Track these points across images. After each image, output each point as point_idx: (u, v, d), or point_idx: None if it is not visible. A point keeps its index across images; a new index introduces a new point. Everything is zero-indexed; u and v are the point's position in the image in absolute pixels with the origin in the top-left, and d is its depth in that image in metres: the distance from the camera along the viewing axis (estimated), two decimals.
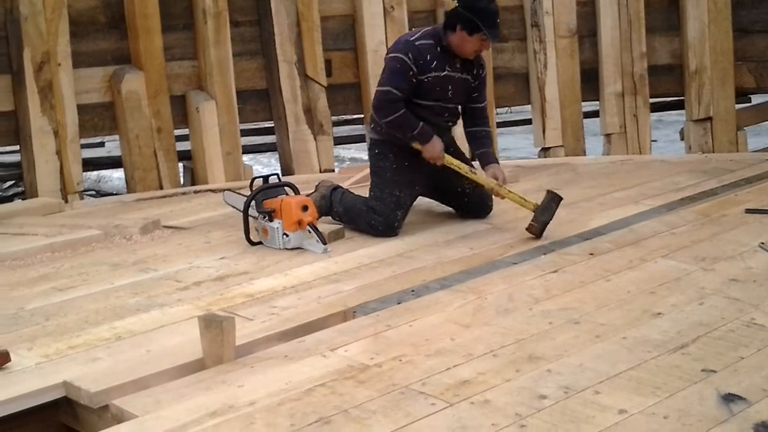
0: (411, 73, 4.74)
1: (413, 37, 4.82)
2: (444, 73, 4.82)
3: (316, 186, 5.23)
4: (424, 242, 4.76)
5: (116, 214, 5.66)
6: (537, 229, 4.72)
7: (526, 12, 7.07)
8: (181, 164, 6.75)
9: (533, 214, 4.75)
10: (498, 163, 5.02)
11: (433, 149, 4.83)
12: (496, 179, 4.87)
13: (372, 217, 4.86)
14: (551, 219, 4.75)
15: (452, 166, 4.91)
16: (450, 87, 4.88)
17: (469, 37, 4.73)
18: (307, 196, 5.00)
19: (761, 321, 3.53)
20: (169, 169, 6.46)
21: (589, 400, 2.92)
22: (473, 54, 4.87)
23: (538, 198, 4.81)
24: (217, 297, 4.02)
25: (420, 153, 4.87)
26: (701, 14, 6.99)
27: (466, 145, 5.19)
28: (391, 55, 4.85)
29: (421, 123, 4.81)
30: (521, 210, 5.02)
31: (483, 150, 5.01)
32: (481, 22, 4.68)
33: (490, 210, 5.18)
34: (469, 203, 5.14)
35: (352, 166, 6.90)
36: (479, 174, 4.93)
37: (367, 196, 4.99)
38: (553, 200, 4.77)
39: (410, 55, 4.74)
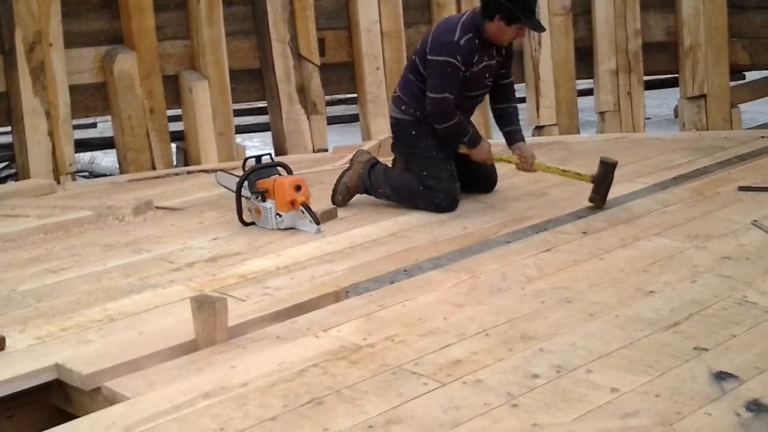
0: (460, 73, 4.77)
1: (456, 37, 4.76)
2: (484, 63, 4.86)
3: (350, 160, 5.21)
4: (417, 222, 4.75)
5: (109, 195, 5.65)
6: (599, 200, 4.83)
7: None
8: (173, 145, 6.73)
9: (592, 185, 4.85)
10: (524, 141, 5.09)
11: (483, 152, 4.96)
12: (524, 158, 4.99)
13: (435, 195, 4.88)
14: (610, 187, 4.85)
15: (503, 161, 5.09)
16: (488, 75, 4.94)
17: (507, 27, 4.75)
18: (342, 175, 5.06)
19: (753, 299, 3.54)
20: (161, 149, 6.44)
21: (582, 378, 2.92)
22: (509, 42, 4.93)
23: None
24: (209, 278, 4.02)
25: (466, 155, 4.98)
26: None
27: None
28: (441, 58, 4.77)
29: (471, 129, 4.94)
30: (514, 189, 5.02)
31: (510, 128, 5.07)
32: (520, 12, 4.70)
33: (495, 184, 5.29)
34: (484, 177, 5.22)
35: (345, 146, 6.86)
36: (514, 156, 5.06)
37: (412, 174, 4.98)
38: (608, 168, 4.85)
39: (458, 57, 4.74)
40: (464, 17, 4.87)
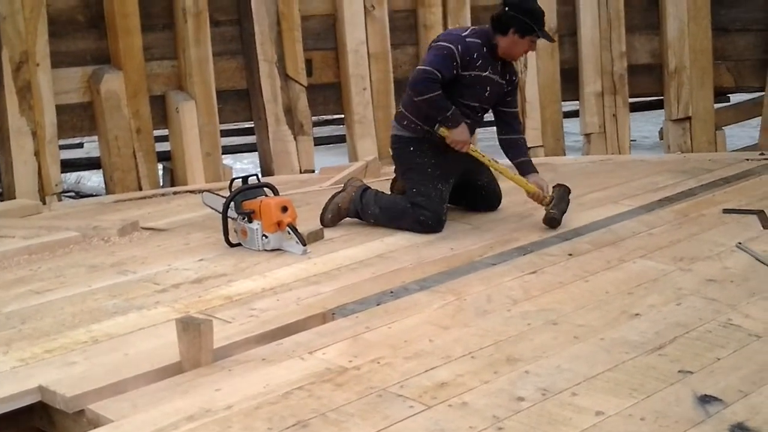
0: (455, 63, 4.78)
1: (464, 33, 4.87)
2: (485, 73, 4.89)
3: (344, 185, 5.22)
4: (404, 243, 4.75)
5: (94, 216, 5.63)
6: (555, 215, 4.88)
7: None
8: (160, 165, 6.72)
9: (546, 206, 4.93)
10: (537, 172, 5.07)
11: (462, 135, 4.87)
12: (542, 189, 4.97)
13: (421, 212, 4.87)
14: (567, 209, 4.97)
15: (475, 154, 5.01)
16: (488, 88, 4.95)
17: (521, 39, 4.83)
18: (334, 195, 5.08)
19: (738, 321, 3.55)
20: (148, 170, 6.43)
21: (567, 401, 2.92)
22: (521, 56, 5.04)
23: None
24: (195, 299, 4.00)
25: (444, 140, 4.88)
26: (681, 13, 7.02)
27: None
28: (440, 42, 4.85)
29: (453, 107, 4.83)
30: (500, 211, 5.04)
31: (522, 159, 5.09)
32: (533, 23, 4.80)
33: (500, 201, 5.31)
34: (486, 196, 5.26)
35: (332, 167, 6.87)
36: (509, 170, 5.08)
37: (405, 193, 5.00)
38: (565, 192, 5.02)
39: (459, 47, 4.78)
40: (478, 27, 4.95)
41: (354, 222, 5.12)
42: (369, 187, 5.13)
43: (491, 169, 5.12)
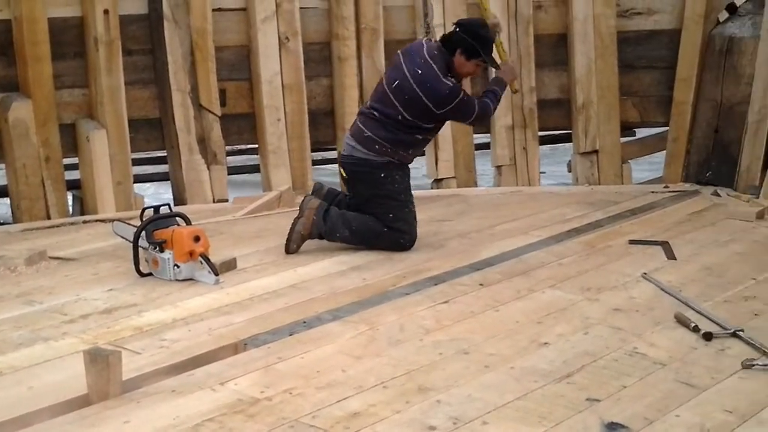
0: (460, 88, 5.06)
1: (449, 83, 4.98)
2: None
3: (300, 207, 5.20)
4: (317, 273, 4.76)
5: (1, 245, 5.50)
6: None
7: None
8: (70, 194, 6.61)
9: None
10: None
11: (512, 73, 5.41)
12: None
13: (400, 236, 5.10)
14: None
15: (502, 53, 5.57)
16: None
17: (466, 61, 5.04)
18: (294, 223, 5.09)
19: (643, 350, 3.64)
20: (57, 198, 6.31)
21: (477, 430, 2.96)
22: (466, 77, 5.31)
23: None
24: (104, 330, 3.94)
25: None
26: (588, 50, 7.19)
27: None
28: (452, 106, 4.99)
29: (489, 93, 5.26)
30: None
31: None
32: (480, 48, 5.01)
33: None
34: None
35: (245, 196, 6.85)
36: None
37: (372, 217, 5.12)
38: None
39: (458, 91, 5.01)
40: (434, 59, 5.01)
41: (270, 249, 5.12)
42: (329, 206, 5.17)
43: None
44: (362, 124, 5.16)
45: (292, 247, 5.09)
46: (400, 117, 5.03)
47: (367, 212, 5.13)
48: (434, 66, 4.98)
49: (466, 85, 6.00)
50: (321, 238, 5.15)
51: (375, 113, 5.11)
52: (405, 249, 5.10)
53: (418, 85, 4.97)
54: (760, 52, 6.56)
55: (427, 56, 5.02)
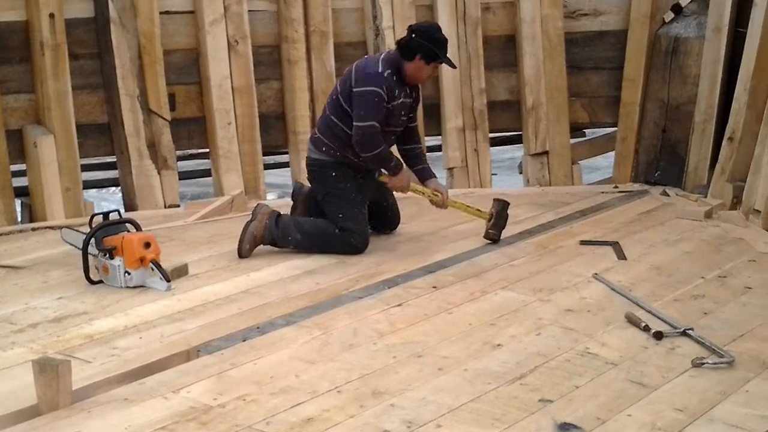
0: (384, 104, 5.01)
1: (381, 69, 5.03)
2: (401, 99, 5.14)
3: (253, 213, 5.20)
4: (270, 278, 4.74)
5: None
6: (495, 235, 5.32)
7: (369, 48, 7.15)
8: (18, 201, 6.51)
9: (487, 222, 5.33)
10: (436, 177, 5.43)
11: (403, 180, 5.24)
12: (440, 193, 5.31)
13: (351, 236, 5.09)
14: (505, 225, 5.36)
15: (417, 192, 5.33)
16: (402, 112, 5.21)
17: (426, 65, 5.09)
18: (247, 225, 5.08)
19: (595, 350, 3.68)
20: (4, 205, 6.21)
21: None
22: (426, 80, 5.36)
23: None
24: (53, 339, 3.89)
25: (383, 182, 5.26)
26: (536, 51, 7.23)
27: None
28: (367, 88, 4.99)
29: (396, 157, 5.20)
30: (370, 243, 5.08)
31: (421, 166, 5.39)
32: (438, 50, 5.07)
33: (399, 222, 5.64)
34: (391, 216, 5.58)
35: (196, 202, 6.80)
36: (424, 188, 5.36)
37: (324, 218, 5.17)
38: (503, 207, 5.37)
39: (384, 87, 4.99)
40: (382, 55, 5.16)
41: (223, 255, 5.09)
42: (280, 213, 5.19)
43: (427, 199, 5.38)
44: (317, 126, 5.32)
45: (244, 247, 5.08)
46: (334, 97, 5.16)
47: (323, 213, 5.19)
48: (379, 59, 5.12)
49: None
50: (273, 244, 5.14)
51: (325, 111, 5.26)
52: (357, 251, 5.09)
53: (355, 67, 5.14)
54: (706, 53, 6.65)
55: (378, 56, 5.18)
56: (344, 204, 5.14)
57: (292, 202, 5.53)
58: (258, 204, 5.32)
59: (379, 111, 5.00)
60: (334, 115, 5.14)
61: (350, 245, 5.09)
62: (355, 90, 5.03)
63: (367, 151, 5.04)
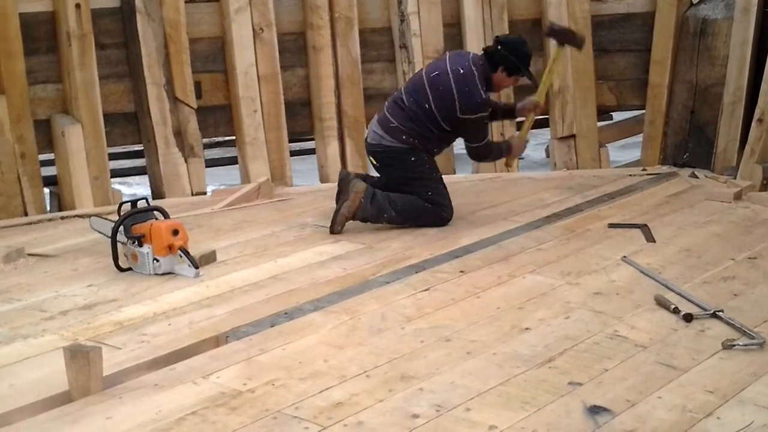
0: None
1: (483, 93, 5.21)
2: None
3: (345, 190, 5.30)
4: (297, 264, 4.75)
5: None
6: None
7: (394, 33, 7.14)
8: (47, 190, 6.56)
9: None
10: (512, 102, 6.00)
11: (519, 148, 5.72)
12: (532, 107, 5.69)
13: (443, 210, 5.37)
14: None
15: (528, 130, 5.80)
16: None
17: (507, 77, 5.32)
18: (339, 207, 5.24)
19: (624, 333, 3.66)
20: (34, 195, 6.26)
21: (461, 417, 2.96)
22: (500, 90, 5.72)
23: None
24: (84, 326, 3.92)
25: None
26: None
27: None
28: (478, 115, 5.23)
29: (498, 145, 5.68)
30: (392, 230, 5.11)
31: (502, 108, 5.75)
32: (521, 64, 5.29)
33: None
34: None
35: (224, 189, 6.82)
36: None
37: (413, 196, 5.34)
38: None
39: (486, 110, 5.28)
40: (477, 68, 5.25)
41: (248, 241, 5.10)
42: (375, 191, 5.29)
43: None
44: (389, 113, 5.39)
45: (336, 228, 5.25)
46: (426, 106, 5.26)
47: (405, 193, 5.35)
48: (476, 73, 5.22)
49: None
50: (364, 221, 5.27)
51: (404, 102, 5.35)
52: (446, 223, 5.34)
53: (455, 83, 5.20)
54: (734, 34, 6.57)
55: (471, 62, 5.28)
56: (429, 183, 5.36)
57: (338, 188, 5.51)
58: (351, 182, 5.36)
59: (487, 129, 5.42)
60: (424, 117, 5.27)
61: (441, 218, 5.34)
62: (462, 117, 5.21)
63: (486, 160, 5.81)
